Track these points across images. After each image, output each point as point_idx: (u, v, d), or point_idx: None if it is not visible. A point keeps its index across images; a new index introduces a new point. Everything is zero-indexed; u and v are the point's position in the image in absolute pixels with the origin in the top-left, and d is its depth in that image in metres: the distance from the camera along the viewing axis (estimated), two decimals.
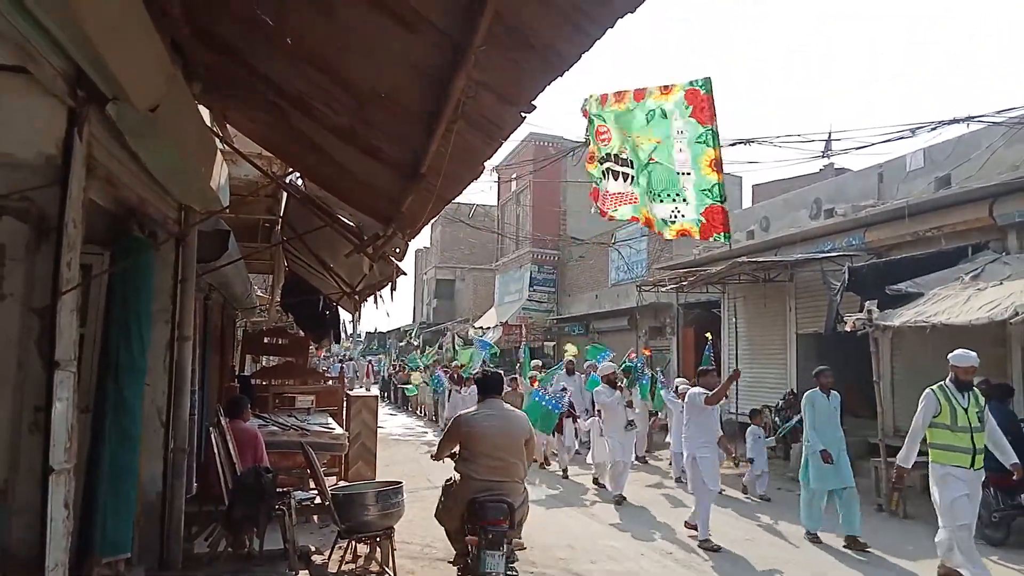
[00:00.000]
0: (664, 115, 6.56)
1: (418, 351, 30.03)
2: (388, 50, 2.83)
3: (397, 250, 6.57)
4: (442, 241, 39.36)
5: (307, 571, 5.38)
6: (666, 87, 6.50)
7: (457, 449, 5.15)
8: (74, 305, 3.29)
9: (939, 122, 10.03)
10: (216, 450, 5.62)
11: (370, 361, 41.31)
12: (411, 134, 3.32)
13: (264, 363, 16.08)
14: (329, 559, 5.59)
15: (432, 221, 40.02)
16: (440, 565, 6.31)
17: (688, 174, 6.59)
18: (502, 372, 6.78)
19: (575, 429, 12.14)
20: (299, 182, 6.76)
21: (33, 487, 3.04)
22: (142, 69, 3.19)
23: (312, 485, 6.71)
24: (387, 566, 5.69)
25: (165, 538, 5.26)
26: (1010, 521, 7.24)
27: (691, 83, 6.31)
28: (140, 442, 4.96)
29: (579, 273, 25.15)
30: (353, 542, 5.78)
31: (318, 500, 6.23)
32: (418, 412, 23.64)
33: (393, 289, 6.97)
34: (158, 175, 4.41)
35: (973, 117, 9.90)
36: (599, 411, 10.26)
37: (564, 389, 11.86)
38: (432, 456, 5.79)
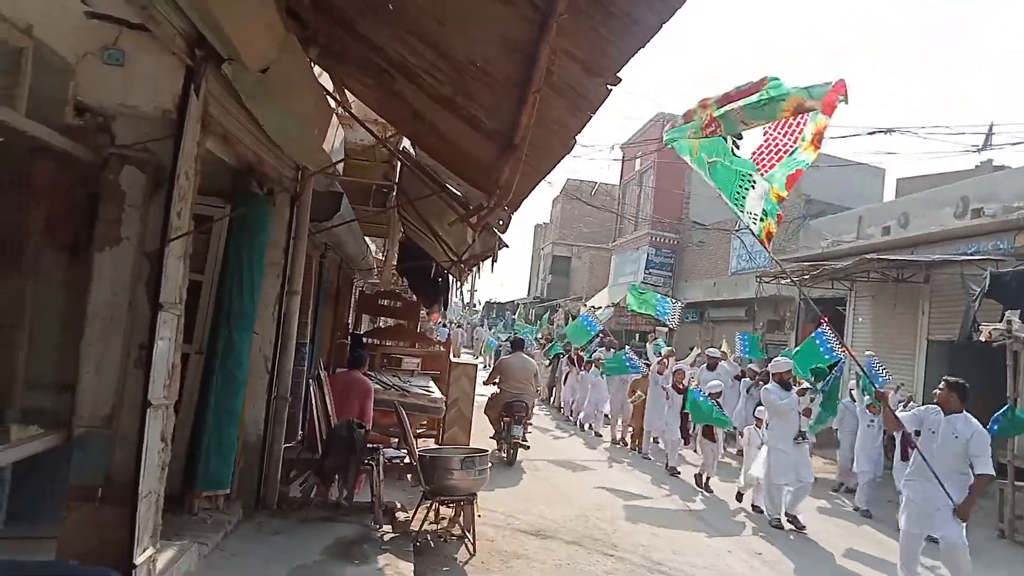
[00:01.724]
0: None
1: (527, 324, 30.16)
2: (481, 20, 2.80)
3: (500, 222, 6.60)
4: (561, 217, 39.25)
5: (391, 526, 5.55)
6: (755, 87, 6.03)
7: (498, 378, 10.52)
8: (181, 252, 3.51)
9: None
10: (314, 401, 5.89)
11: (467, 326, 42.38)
12: (504, 105, 3.30)
13: (379, 324, 16.68)
14: (413, 518, 5.74)
15: (553, 197, 40.00)
16: (521, 536, 6.39)
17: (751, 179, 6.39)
18: (523, 338, 14.31)
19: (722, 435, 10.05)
20: (411, 150, 6.90)
21: (134, 419, 3.29)
22: (254, 32, 3.33)
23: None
24: (468, 530, 5.81)
25: (263, 479, 5.59)
26: None
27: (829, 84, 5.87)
28: (245, 387, 5.29)
29: (698, 259, 24.42)
30: (437, 504, 5.93)
31: (408, 460, 6.42)
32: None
33: (494, 260, 7.01)
34: (272, 134, 4.61)
35: None
36: (759, 419, 8.86)
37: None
38: (485, 382, 10.97)
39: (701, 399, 9.41)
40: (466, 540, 5.74)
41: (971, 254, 11.21)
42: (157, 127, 3.44)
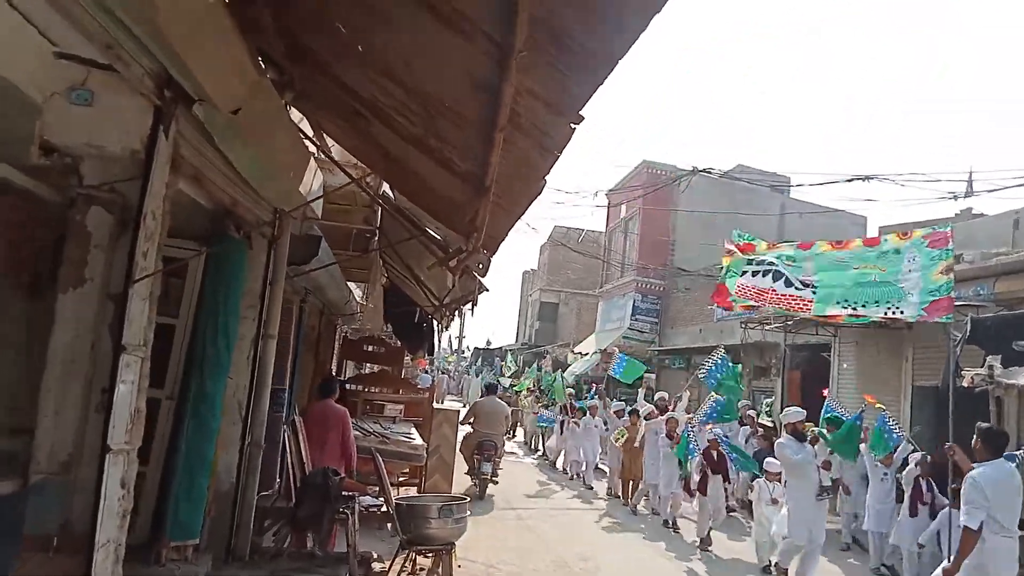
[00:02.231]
0: (897, 252, 7.25)
1: (511, 374, 29.96)
2: (446, 59, 2.83)
3: (480, 265, 6.59)
4: (549, 264, 39.44)
5: None
6: (904, 233, 7.36)
7: (472, 419, 11.58)
8: (147, 293, 3.44)
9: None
10: (288, 447, 5.77)
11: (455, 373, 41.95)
12: (474, 145, 3.30)
13: (364, 370, 16.52)
14: (390, 568, 5.59)
15: (541, 244, 40.18)
16: None
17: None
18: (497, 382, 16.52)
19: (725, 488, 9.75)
20: (391, 193, 6.92)
21: (93, 465, 3.18)
22: (223, 74, 3.33)
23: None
24: None
25: (234, 529, 5.42)
26: None
27: (932, 229, 7.22)
28: (218, 433, 5.17)
29: (684, 305, 24.50)
30: (415, 554, 5.78)
31: (385, 508, 6.28)
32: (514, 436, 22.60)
33: (474, 304, 6.98)
34: (246, 175, 4.59)
35: None
36: (769, 472, 8.32)
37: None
38: (460, 422, 11.15)
39: (692, 452, 9.17)
40: None
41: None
42: (125, 167, 3.42)
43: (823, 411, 9.61)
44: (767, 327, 15.56)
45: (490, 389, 13.52)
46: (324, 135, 6.09)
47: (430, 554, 5.83)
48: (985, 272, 11.08)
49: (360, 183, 5.98)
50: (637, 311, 26.13)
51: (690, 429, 9.75)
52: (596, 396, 16.63)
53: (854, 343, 14.29)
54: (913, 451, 8.79)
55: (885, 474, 8.85)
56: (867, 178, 10.93)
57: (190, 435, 4.86)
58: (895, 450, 8.80)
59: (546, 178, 3.25)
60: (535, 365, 30.67)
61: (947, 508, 7.07)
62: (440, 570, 5.80)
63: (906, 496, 8.18)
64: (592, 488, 13.26)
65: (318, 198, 5.64)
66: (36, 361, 3.25)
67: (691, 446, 9.26)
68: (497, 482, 11.46)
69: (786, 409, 8.37)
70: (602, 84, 2.12)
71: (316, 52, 4.24)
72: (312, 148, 5.91)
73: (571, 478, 14.30)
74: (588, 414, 14.31)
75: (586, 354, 27.19)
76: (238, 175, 4.67)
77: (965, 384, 8.59)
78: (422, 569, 6.01)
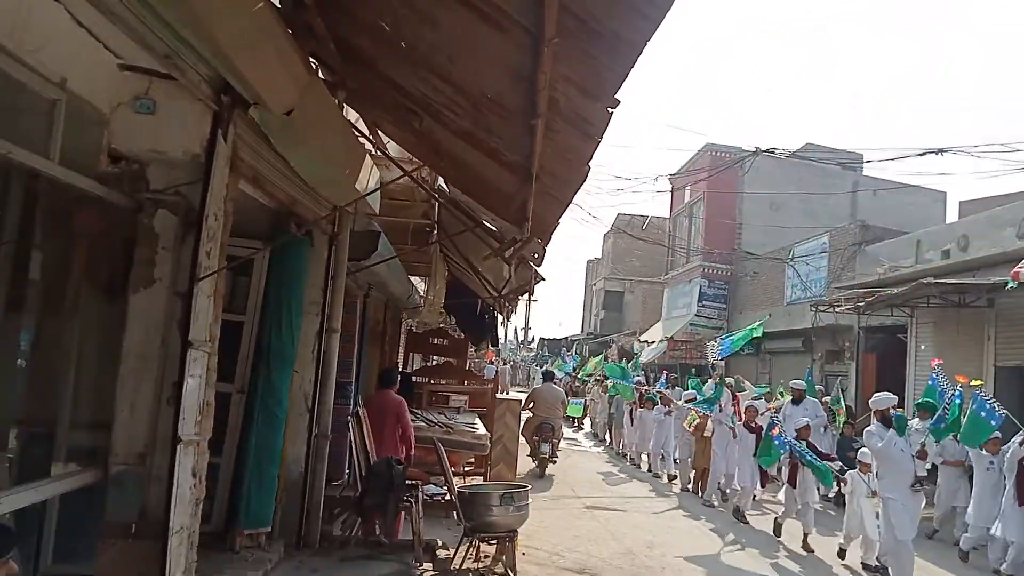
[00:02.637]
0: None
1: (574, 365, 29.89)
2: (486, 52, 2.87)
3: (535, 255, 6.62)
4: (613, 252, 39.14)
5: (431, 564, 5.51)
6: None
7: (532, 405, 12.43)
8: (211, 291, 3.61)
9: None
10: (352, 438, 5.94)
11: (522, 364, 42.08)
12: (519, 135, 3.34)
13: (430, 362, 16.79)
14: (454, 555, 5.68)
15: (605, 232, 39.91)
16: (564, 574, 6.26)
17: None
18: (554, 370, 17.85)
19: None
20: (446, 187, 7.00)
21: (166, 455, 3.36)
22: (276, 77, 3.45)
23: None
24: (510, 568, 5.72)
25: (304, 517, 5.64)
26: None
27: None
28: (286, 425, 5.37)
29: (752, 289, 23.95)
30: (478, 541, 5.87)
31: (449, 497, 6.39)
32: (584, 425, 22.13)
33: (531, 294, 7.01)
34: (303, 175, 4.73)
35: None
36: (863, 463, 7.68)
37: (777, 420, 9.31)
38: (521, 407, 11.45)
39: (776, 441, 8.46)
40: None
41: None
42: (187, 171, 3.59)
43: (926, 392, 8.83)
44: (838, 309, 15.08)
45: (547, 377, 14.41)
46: (379, 133, 6.22)
47: (493, 541, 5.90)
48: None
49: (415, 178, 6.08)
50: (704, 297, 25.68)
51: (776, 420, 9.08)
52: (668, 385, 16.06)
53: (932, 323, 13.72)
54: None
55: (991, 463, 8.00)
56: (940, 151, 10.46)
57: (259, 427, 5.09)
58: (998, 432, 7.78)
59: (590, 164, 3.26)
60: (602, 355, 30.56)
61: None
62: (504, 557, 5.87)
63: (1009, 484, 7.49)
64: (664, 479, 12.83)
65: (374, 191, 5.77)
66: (112, 359, 3.44)
67: (779, 441, 8.51)
68: (556, 461, 12.25)
69: (875, 395, 7.49)
70: (632, 67, 2.12)
71: (364, 52, 4.34)
72: (368, 146, 6.05)
73: (640, 468, 14.07)
74: (660, 403, 13.70)
75: (653, 342, 26.93)
76: (296, 174, 4.82)
77: None
78: (486, 556, 6.08)
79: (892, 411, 7.06)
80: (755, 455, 9.21)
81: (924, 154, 10.46)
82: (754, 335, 16.71)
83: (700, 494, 11.04)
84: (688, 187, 27.42)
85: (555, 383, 14.67)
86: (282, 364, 5.28)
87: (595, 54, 2.20)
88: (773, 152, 16.37)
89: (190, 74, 3.32)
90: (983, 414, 7.56)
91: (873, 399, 7.40)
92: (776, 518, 8.69)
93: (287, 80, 3.53)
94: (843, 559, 7.64)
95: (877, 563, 7.27)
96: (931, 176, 44.47)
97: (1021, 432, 7.45)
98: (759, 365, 21.71)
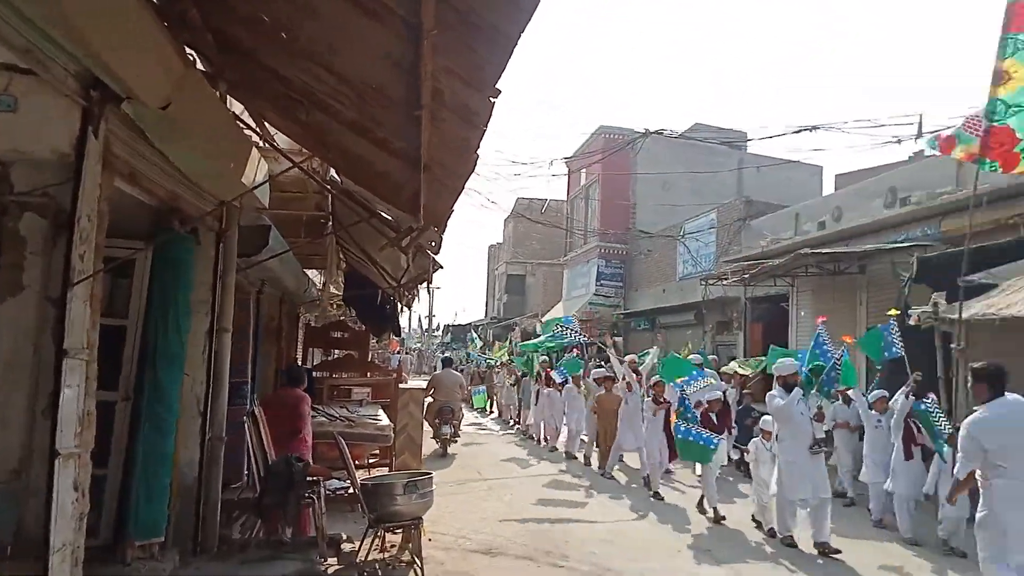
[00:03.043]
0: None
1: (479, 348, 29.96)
2: (367, 43, 2.84)
3: (432, 243, 6.62)
4: (514, 236, 39.52)
5: (336, 559, 5.46)
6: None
7: (432, 390, 12.98)
8: (87, 295, 3.43)
9: (1019, 106, 9.37)
10: (249, 439, 5.80)
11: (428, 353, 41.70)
12: (405, 125, 3.33)
13: (332, 356, 16.48)
14: (360, 547, 5.66)
15: (505, 217, 40.14)
16: (472, 557, 6.35)
17: None
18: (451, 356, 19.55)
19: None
20: (337, 178, 6.89)
21: (43, 470, 3.19)
22: (148, 70, 3.30)
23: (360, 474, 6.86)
24: (416, 556, 5.75)
25: (200, 523, 5.45)
26: None
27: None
28: (176, 429, 5.17)
29: (646, 267, 24.78)
30: (383, 532, 5.87)
31: (352, 490, 6.34)
32: (493, 411, 21.93)
33: (429, 283, 7.01)
34: (185, 170, 4.55)
35: None
36: (765, 430, 7.81)
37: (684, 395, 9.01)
38: (424, 394, 11.75)
39: (691, 437, 8.13)
40: (415, 566, 5.68)
41: (900, 242, 11.60)
42: (56, 171, 3.39)
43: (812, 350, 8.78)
44: (726, 282, 15.83)
45: (446, 363, 15.78)
46: (265, 124, 6.03)
47: (399, 530, 5.92)
48: (931, 212, 11.42)
49: (306, 169, 5.95)
50: (601, 276, 26.40)
51: (685, 397, 8.83)
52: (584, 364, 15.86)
53: (810, 291, 14.62)
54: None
55: (879, 421, 8.33)
56: (814, 128, 11.11)
57: (148, 434, 4.87)
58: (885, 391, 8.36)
59: (478, 152, 3.29)
60: (507, 338, 30.85)
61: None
62: (410, 545, 5.89)
63: (896, 440, 7.81)
64: (576, 458, 12.70)
65: (262, 184, 5.61)
66: None
67: (684, 432, 8.30)
68: (457, 440, 13.40)
69: (778, 361, 7.70)
70: (510, 58, 2.17)
71: (243, 42, 4.20)
72: (255, 138, 5.87)
73: (552, 450, 13.94)
74: (571, 383, 13.86)
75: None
76: (177, 170, 4.63)
77: (912, 322, 8.85)
78: (392, 545, 6.10)
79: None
80: (665, 431, 9.29)
81: (800, 131, 11.08)
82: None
83: (603, 470, 11.15)
84: (583, 170, 27.97)
85: (453, 369, 15.75)
86: (170, 367, 5.07)
87: (474, 46, 2.23)
88: (662, 133, 16.89)
89: (55, 69, 3.13)
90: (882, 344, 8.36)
91: (776, 365, 7.60)
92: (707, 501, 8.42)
93: (161, 73, 3.38)
94: (759, 527, 7.75)
95: (772, 532, 7.37)
96: (807, 152, 47.02)
97: (906, 384, 7.81)
98: (654, 339, 22.52)
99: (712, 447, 8.05)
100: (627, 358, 12.71)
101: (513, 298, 39.67)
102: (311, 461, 6.20)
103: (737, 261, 16.07)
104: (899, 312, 9.09)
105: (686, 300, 20.33)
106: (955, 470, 5.18)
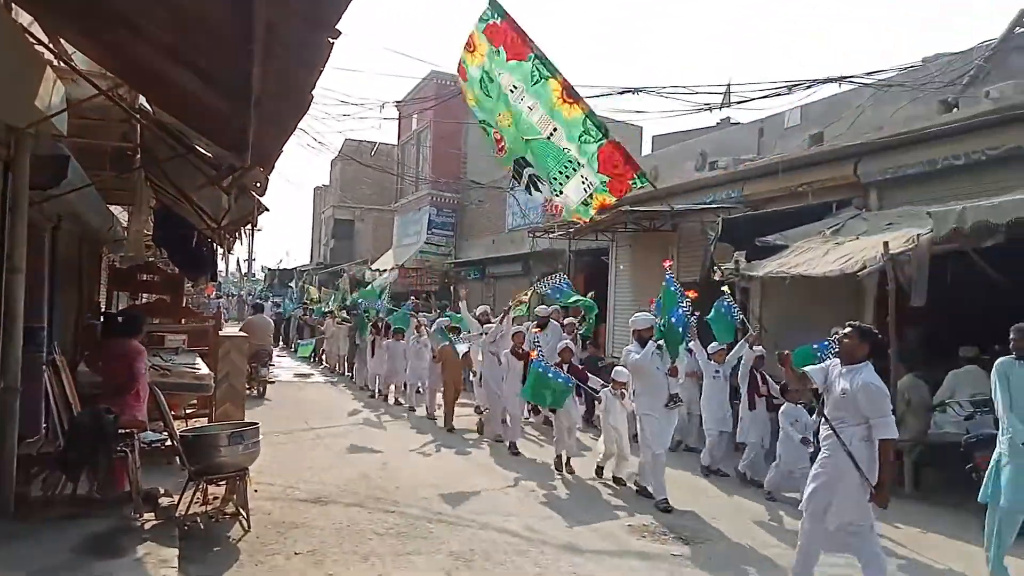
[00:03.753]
0: (491, 79, 6.01)
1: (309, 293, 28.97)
2: None
3: (257, 184, 6.31)
4: (342, 180, 38.23)
5: (153, 514, 5.20)
6: (469, 44, 5.91)
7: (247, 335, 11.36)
8: None
9: (814, 80, 10.37)
10: (50, 389, 5.32)
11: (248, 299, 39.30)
12: (233, 58, 3.11)
13: (140, 301, 15.31)
14: (179, 501, 5.41)
15: (332, 159, 38.66)
16: (300, 505, 6.29)
17: (556, 130, 6.03)
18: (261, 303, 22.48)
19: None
20: (149, 107, 6.32)
21: None
22: None
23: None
24: (242, 507, 5.60)
25: None
26: None
27: (481, 20, 5.76)
28: None
29: (477, 217, 25.06)
30: (205, 484, 5.65)
31: (171, 443, 6.02)
32: (323, 361, 20.80)
33: (254, 225, 6.69)
34: None
35: (845, 78, 10.30)
36: (616, 381, 7.74)
37: (537, 344, 9.11)
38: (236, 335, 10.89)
39: (541, 370, 8.07)
40: (240, 517, 5.54)
41: (709, 203, 12.56)
42: None
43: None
44: (552, 235, 16.39)
45: (257, 309, 17.51)
46: (62, 41, 5.39)
47: (222, 482, 5.73)
48: (734, 177, 12.43)
49: (111, 96, 5.40)
50: (433, 225, 26.36)
51: (536, 346, 8.79)
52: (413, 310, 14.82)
53: (628, 246, 15.51)
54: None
55: (717, 372, 8.54)
56: (636, 90, 11.56)
57: None
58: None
59: (312, 93, 3.17)
60: (337, 285, 30.07)
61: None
62: (234, 497, 5.73)
63: (743, 390, 8.10)
64: (415, 411, 12.41)
65: (60, 112, 5.03)
66: None
67: (544, 367, 8.16)
68: (273, 382, 14.33)
69: (635, 315, 7.59)
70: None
71: None
72: (50, 57, 5.23)
73: (396, 403, 13.49)
74: (417, 333, 12.91)
75: (384, 270, 27.12)
76: None
77: (717, 278, 9.69)
78: (215, 498, 5.90)
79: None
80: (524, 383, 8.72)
81: (623, 92, 11.51)
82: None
83: (447, 426, 10.73)
84: (415, 115, 27.52)
85: (264, 315, 17.05)
86: None
87: None
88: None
89: None
90: (724, 312, 8.66)
91: (632, 319, 7.48)
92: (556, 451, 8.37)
93: None
94: (600, 476, 7.86)
95: (637, 486, 7.32)
96: (628, 113, 49.14)
97: (746, 336, 8.38)
98: (484, 289, 22.97)
99: (569, 386, 8.09)
100: (479, 309, 12.35)
101: (341, 243, 38.63)
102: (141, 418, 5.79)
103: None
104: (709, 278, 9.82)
105: (515, 251, 20.85)
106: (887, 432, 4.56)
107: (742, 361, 8.25)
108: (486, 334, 10.50)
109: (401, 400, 13.51)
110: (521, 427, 9.49)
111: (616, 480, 7.67)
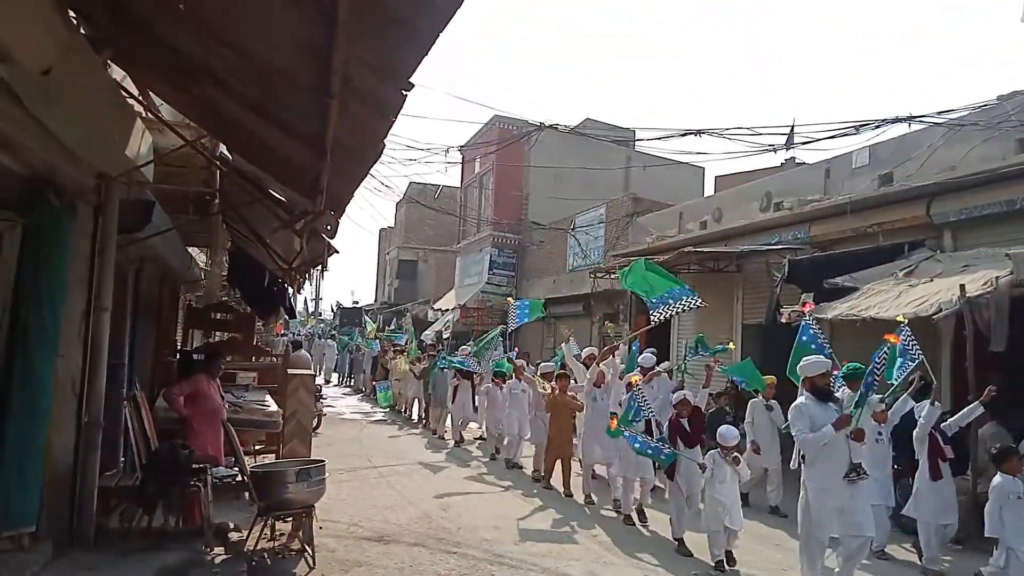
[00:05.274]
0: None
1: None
2: (277, 23, 2.78)
3: (328, 227, 6.52)
4: (406, 221, 39.07)
5: (223, 548, 5.33)
6: None
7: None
8: None
9: (883, 120, 10.19)
10: (130, 424, 5.54)
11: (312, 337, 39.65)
12: (312, 109, 3.28)
13: (213, 339, 15.84)
14: (248, 536, 5.54)
15: (397, 201, 39.63)
16: (363, 544, 6.34)
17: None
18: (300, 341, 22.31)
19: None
20: (229, 155, 6.65)
21: None
22: (30, 32, 3.11)
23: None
24: (307, 544, 5.69)
25: (75, 512, 5.18)
26: None
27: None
28: (50, 414, 4.88)
29: (539, 258, 25.19)
30: (273, 520, 5.77)
31: (242, 478, 6.18)
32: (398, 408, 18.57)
33: (324, 268, 6.91)
34: (63, 139, 4.29)
35: (915, 117, 10.08)
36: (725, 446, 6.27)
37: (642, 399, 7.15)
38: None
39: (637, 446, 6.82)
40: (305, 554, 5.62)
41: (774, 244, 12.37)
42: None
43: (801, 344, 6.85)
44: (614, 276, 16.33)
45: (296, 346, 17.18)
46: (151, 95, 5.74)
47: (288, 518, 5.83)
48: (801, 218, 12.22)
49: (195, 145, 5.71)
50: (494, 265, 26.59)
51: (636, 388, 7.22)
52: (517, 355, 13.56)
53: (691, 287, 15.29)
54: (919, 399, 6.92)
55: (880, 434, 6.96)
56: (699, 132, 11.57)
57: (18, 417, 4.58)
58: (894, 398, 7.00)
59: (384, 141, 3.30)
60: (399, 324, 30.48)
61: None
62: (300, 533, 5.82)
63: (923, 457, 6.67)
64: (521, 467, 10.87)
65: (149, 163, 5.35)
66: None
67: (638, 411, 7.03)
68: (325, 413, 15.23)
69: (805, 360, 6.00)
70: (426, 55, 2.19)
71: (135, 10, 4.00)
72: (139, 109, 5.57)
73: (492, 457, 11.86)
74: (513, 377, 11.53)
75: (447, 310, 27.41)
76: (55, 138, 4.36)
77: (783, 320, 9.49)
78: (282, 534, 6.00)
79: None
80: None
81: (685, 135, 11.52)
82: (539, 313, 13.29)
83: (550, 486, 9.39)
84: (478, 159, 28.03)
85: (302, 351, 17.03)
86: (43, 347, 4.77)
87: (389, 38, 2.24)
88: (556, 127, 17.18)
89: None
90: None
91: (802, 364, 5.96)
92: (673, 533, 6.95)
93: (43, 37, 3.19)
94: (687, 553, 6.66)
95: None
96: (691, 154, 48.81)
97: (912, 388, 7.06)
98: (544, 329, 22.96)
99: (662, 459, 6.77)
100: (585, 351, 11.11)
101: (405, 283, 39.29)
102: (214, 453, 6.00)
103: (624, 255, 16.62)
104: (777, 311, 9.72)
105: (575, 291, 20.84)
106: None
107: (920, 421, 6.71)
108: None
109: (500, 450, 11.84)
110: (635, 498, 7.99)
111: (729, 559, 6.33)
